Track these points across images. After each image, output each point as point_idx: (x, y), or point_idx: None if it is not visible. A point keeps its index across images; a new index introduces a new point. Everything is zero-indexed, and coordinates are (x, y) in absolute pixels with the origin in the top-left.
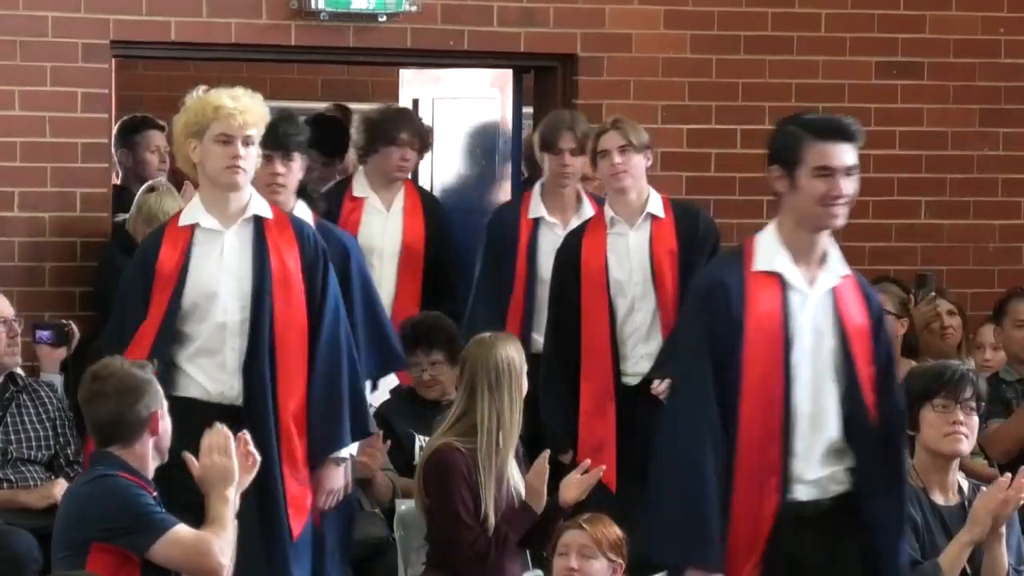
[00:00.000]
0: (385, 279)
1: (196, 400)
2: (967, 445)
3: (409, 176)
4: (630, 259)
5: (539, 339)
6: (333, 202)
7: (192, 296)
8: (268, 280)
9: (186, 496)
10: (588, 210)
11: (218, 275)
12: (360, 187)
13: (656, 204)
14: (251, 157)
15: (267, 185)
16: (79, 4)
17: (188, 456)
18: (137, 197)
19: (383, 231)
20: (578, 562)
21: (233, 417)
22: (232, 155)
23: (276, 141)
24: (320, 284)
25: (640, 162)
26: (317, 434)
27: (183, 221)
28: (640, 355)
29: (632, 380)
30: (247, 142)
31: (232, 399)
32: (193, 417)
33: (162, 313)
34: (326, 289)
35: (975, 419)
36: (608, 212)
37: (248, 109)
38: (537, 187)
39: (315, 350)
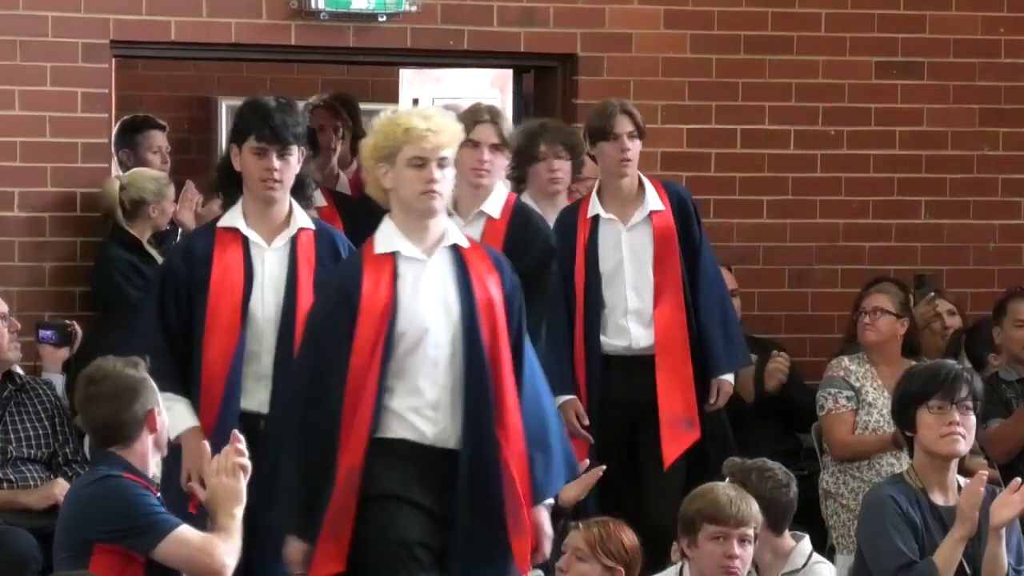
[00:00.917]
0: None
1: (407, 441)
2: (964, 445)
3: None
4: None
5: (607, 341)
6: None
7: (404, 331)
8: (476, 311)
9: None
10: (654, 201)
11: (427, 307)
12: None
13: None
14: (447, 180)
15: (261, 181)
16: (79, 4)
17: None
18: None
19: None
20: (567, 562)
21: (451, 461)
22: (427, 179)
23: (272, 133)
24: (517, 315)
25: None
26: (536, 477)
27: (380, 248)
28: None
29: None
30: (442, 164)
31: (444, 441)
32: (410, 464)
33: (379, 351)
34: (522, 319)
35: (972, 418)
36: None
37: (442, 129)
38: (595, 184)
39: (520, 386)
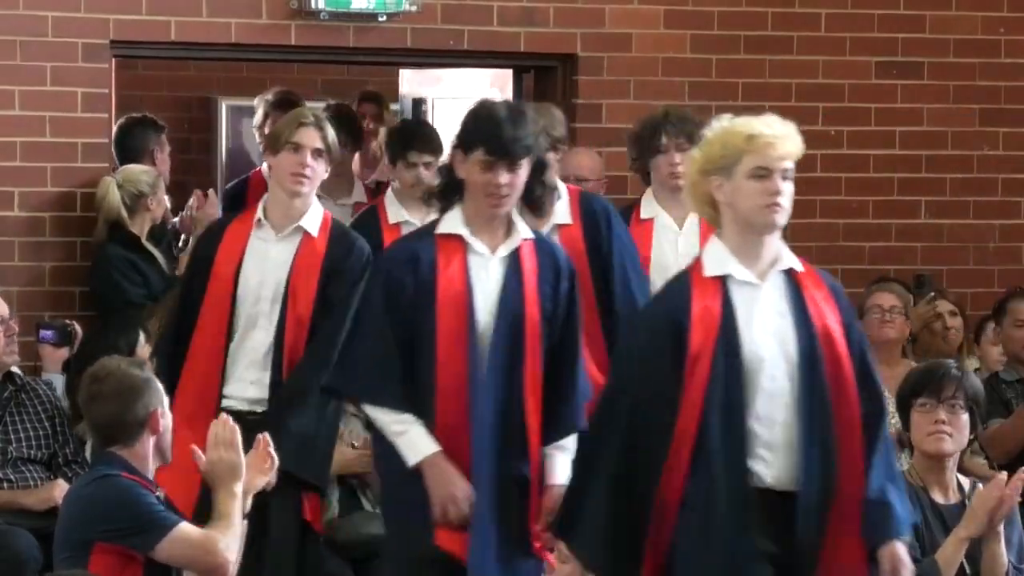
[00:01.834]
0: None
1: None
2: (951, 444)
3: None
4: None
5: None
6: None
7: (745, 361)
8: (817, 343)
9: None
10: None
11: (764, 337)
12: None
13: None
14: (788, 194)
15: (487, 195)
16: (79, 4)
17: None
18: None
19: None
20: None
21: (785, 504)
22: (772, 191)
23: (502, 147)
24: (857, 346)
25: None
26: (894, 508)
27: (710, 271)
28: None
29: None
30: (785, 176)
31: (786, 484)
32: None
33: (714, 378)
34: (863, 351)
35: (963, 418)
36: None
37: (787, 136)
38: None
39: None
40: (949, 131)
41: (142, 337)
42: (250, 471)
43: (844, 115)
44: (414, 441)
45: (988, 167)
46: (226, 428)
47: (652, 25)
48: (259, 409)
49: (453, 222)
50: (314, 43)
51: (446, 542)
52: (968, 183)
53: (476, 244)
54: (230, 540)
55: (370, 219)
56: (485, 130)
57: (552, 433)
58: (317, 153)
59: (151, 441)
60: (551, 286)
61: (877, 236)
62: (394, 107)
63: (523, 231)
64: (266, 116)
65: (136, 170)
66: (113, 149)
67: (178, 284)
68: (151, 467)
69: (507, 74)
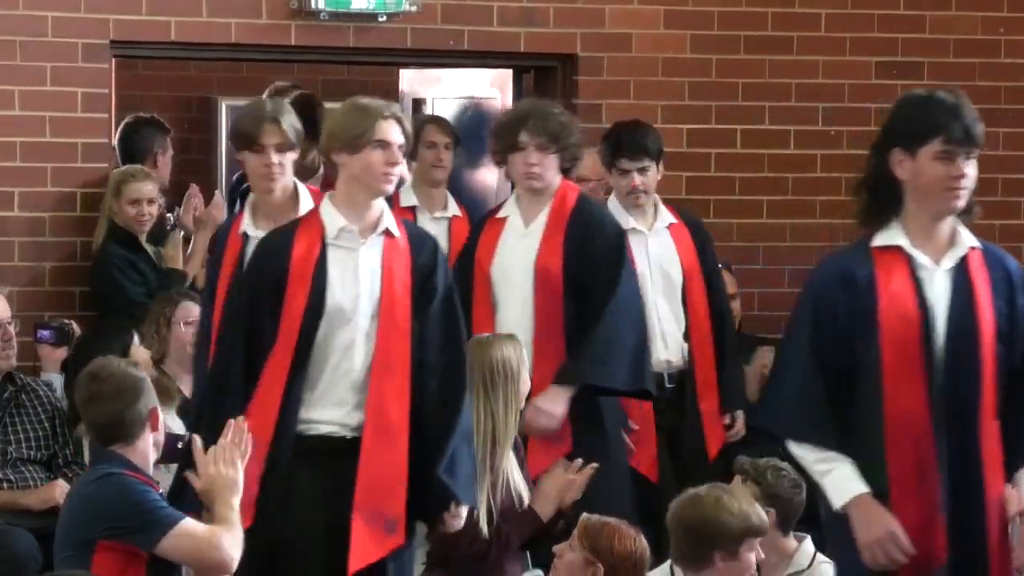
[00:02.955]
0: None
1: None
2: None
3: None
4: None
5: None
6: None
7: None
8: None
9: None
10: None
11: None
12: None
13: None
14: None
15: (947, 190)
16: (79, 4)
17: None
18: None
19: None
20: (561, 548)
21: None
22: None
23: (965, 133)
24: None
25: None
26: None
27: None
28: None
29: None
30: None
31: None
32: None
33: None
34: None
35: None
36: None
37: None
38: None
39: None
40: None
41: (136, 338)
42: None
43: (844, 115)
44: (840, 482)
45: (988, 167)
46: (224, 447)
47: (652, 25)
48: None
49: (891, 233)
50: (314, 43)
51: None
52: None
53: (919, 256)
54: (234, 538)
55: None
56: (940, 119)
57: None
58: (400, 149)
59: (151, 438)
60: (1005, 300)
61: None
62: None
63: (968, 238)
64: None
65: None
66: (116, 148)
67: (201, 294)
68: (151, 464)
69: (507, 74)
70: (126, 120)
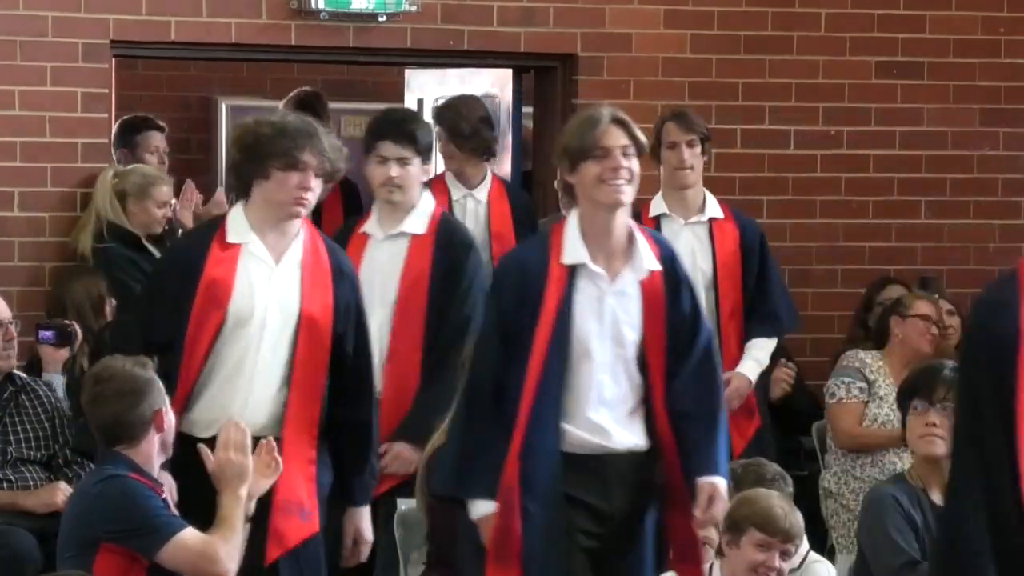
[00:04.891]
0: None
1: None
2: (943, 446)
3: None
4: None
5: None
6: None
7: None
8: None
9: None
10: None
11: None
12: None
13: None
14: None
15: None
16: (79, 4)
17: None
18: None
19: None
20: None
21: None
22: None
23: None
24: None
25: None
26: None
27: None
28: None
29: None
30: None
31: None
32: None
33: None
34: None
35: None
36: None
37: None
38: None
39: None
40: (949, 131)
41: None
42: (254, 475)
43: (844, 115)
44: None
45: (988, 167)
46: (238, 431)
47: (652, 25)
48: None
49: None
50: (314, 43)
51: None
52: (968, 183)
53: None
54: (231, 548)
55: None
56: None
57: None
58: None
59: (156, 439)
60: None
61: (877, 236)
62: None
63: None
64: None
65: (131, 168)
66: (112, 148)
67: None
68: (156, 465)
69: (507, 74)
70: (120, 121)
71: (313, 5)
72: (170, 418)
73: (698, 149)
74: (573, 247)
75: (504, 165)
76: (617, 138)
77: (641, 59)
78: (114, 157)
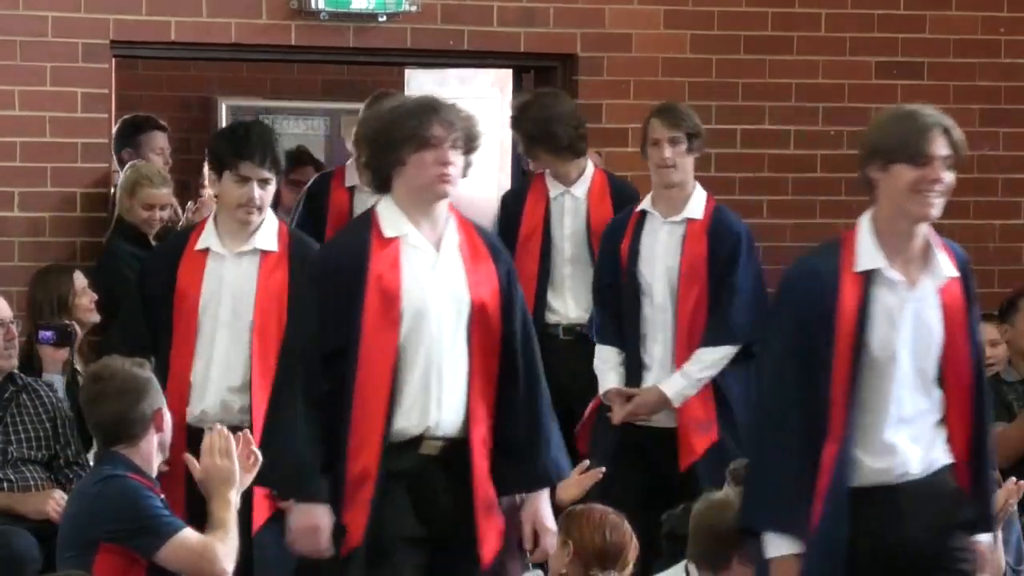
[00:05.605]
0: None
1: None
2: None
3: None
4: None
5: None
6: None
7: None
8: None
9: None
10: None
11: None
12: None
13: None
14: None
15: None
16: (79, 4)
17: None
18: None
19: None
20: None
21: None
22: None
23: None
24: None
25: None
26: None
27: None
28: None
29: None
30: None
31: None
32: None
33: None
34: None
35: None
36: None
37: None
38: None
39: None
40: None
41: None
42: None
43: (844, 115)
44: None
45: (988, 167)
46: (221, 436)
47: (652, 25)
48: None
49: None
50: (314, 43)
51: None
52: (968, 183)
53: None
54: (228, 549)
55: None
56: None
57: None
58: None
59: (155, 439)
60: None
61: None
62: None
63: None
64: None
65: (138, 164)
66: (113, 149)
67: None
68: (155, 465)
69: (507, 74)
70: (122, 121)
71: (313, 5)
72: (168, 418)
73: (683, 147)
74: (868, 252)
75: (504, 165)
76: (942, 148)
77: (641, 59)
78: (122, 156)
